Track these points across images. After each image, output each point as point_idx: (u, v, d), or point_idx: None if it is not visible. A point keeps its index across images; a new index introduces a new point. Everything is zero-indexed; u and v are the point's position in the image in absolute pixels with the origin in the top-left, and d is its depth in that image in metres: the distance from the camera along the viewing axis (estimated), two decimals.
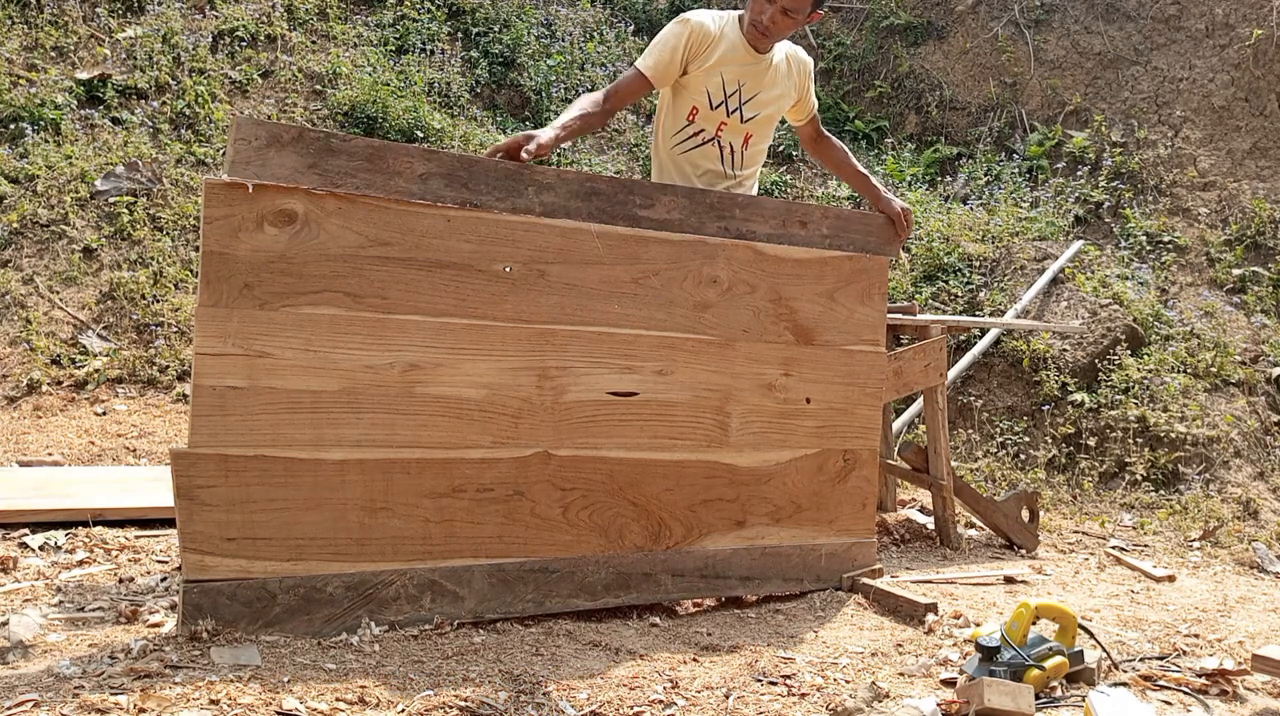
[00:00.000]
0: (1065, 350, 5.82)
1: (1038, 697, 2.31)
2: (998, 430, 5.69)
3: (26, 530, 3.17)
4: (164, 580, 2.84)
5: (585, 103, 3.02)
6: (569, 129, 2.94)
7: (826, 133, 3.50)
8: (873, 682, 2.32)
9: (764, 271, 3.01)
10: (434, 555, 2.55)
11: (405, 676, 2.19)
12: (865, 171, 3.45)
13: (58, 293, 5.44)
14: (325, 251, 2.42)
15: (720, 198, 2.96)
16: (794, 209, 3.09)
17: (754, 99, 3.17)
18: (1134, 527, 4.71)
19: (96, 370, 5.14)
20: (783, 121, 3.40)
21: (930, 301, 6.41)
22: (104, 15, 6.82)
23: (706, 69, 3.09)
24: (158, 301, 5.54)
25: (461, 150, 6.68)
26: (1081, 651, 2.52)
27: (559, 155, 7.13)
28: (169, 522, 3.21)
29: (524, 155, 2.66)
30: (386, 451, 2.49)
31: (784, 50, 3.24)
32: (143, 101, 6.45)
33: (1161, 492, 5.04)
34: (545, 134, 2.77)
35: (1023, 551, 4.06)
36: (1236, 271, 6.41)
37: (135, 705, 1.87)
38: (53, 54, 6.51)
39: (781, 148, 7.84)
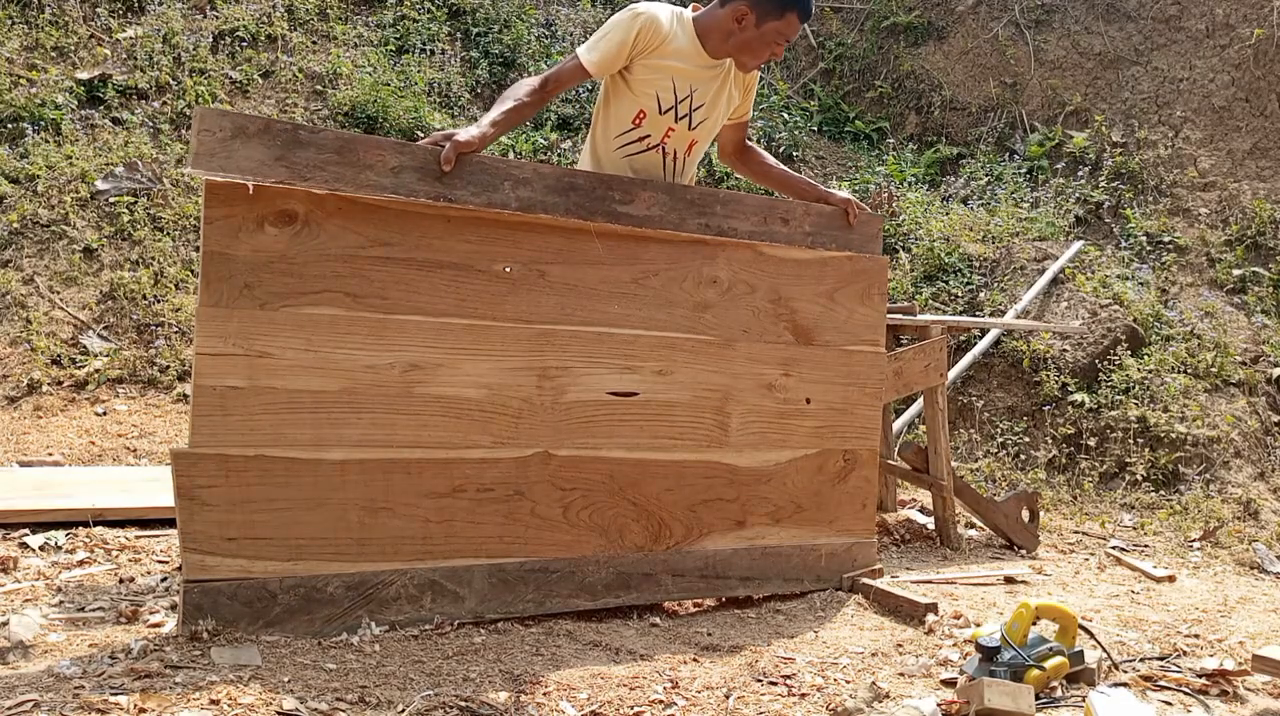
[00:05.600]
0: (1065, 350, 5.82)
1: (1038, 698, 2.31)
2: (998, 430, 5.69)
3: (27, 530, 3.17)
4: (164, 580, 2.84)
5: (520, 92, 2.79)
6: (500, 125, 2.71)
7: (751, 144, 3.33)
8: (873, 682, 2.32)
9: (764, 271, 3.01)
10: (434, 555, 2.55)
11: (405, 676, 2.19)
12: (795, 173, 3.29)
13: (58, 293, 5.45)
14: (325, 251, 2.42)
15: (702, 193, 2.91)
16: (776, 206, 3.06)
17: (704, 105, 3.00)
18: (1134, 528, 4.70)
19: (97, 370, 5.14)
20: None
21: (930, 302, 6.41)
22: (104, 15, 6.82)
23: (652, 67, 2.90)
24: (158, 301, 5.54)
25: None
26: (1082, 651, 2.52)
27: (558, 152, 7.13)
28: (169, 522, 3.21)
29: (444, 166, 2.49)
30: (387, 451, 2.49)
31: None
32: (143, 101, 6.45)
33: (1162, 493, 5.04)
34: (466, 134, 2.56)
35: (1023, 551, 4.06)
36: (1237, 272, 6.41)
37: (135, 705, 1.87)
38: (53, 54, 6.52)
39: (782, 149, 7.84)
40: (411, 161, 2.48)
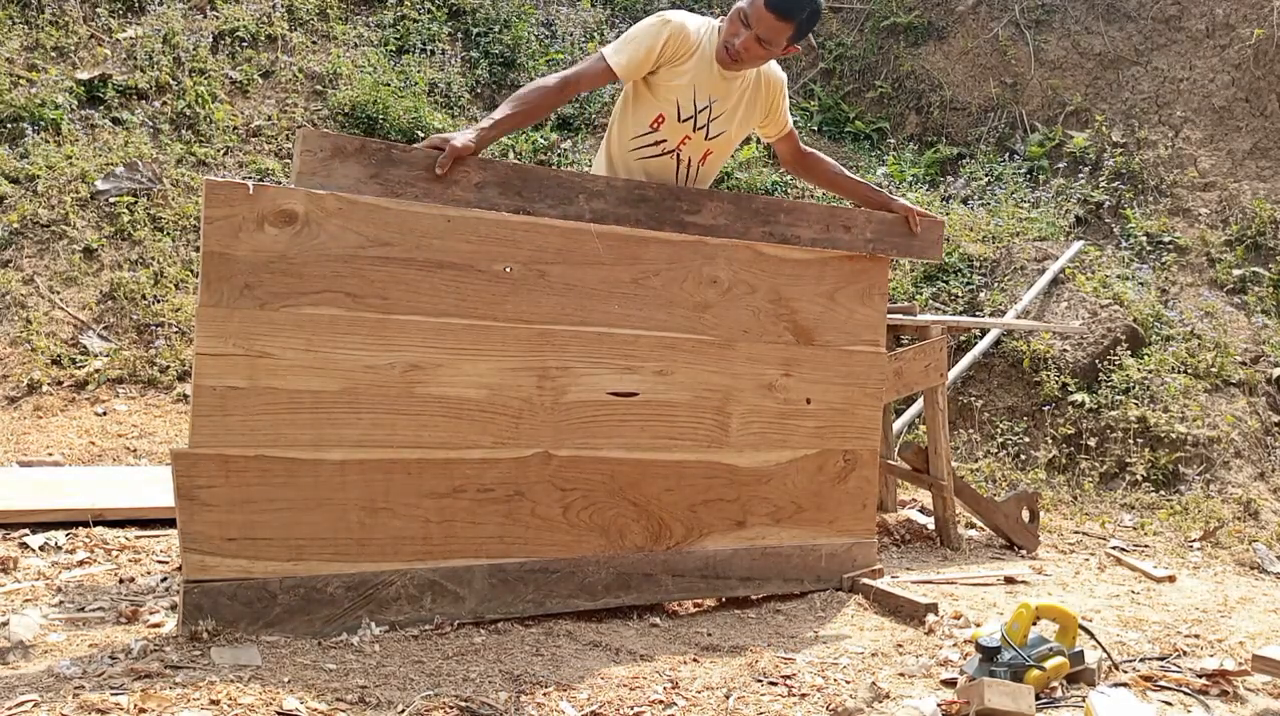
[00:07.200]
0: (1065, 350, 5.82)
1: (1038, 698, 2.31)
2: (998, 430, 5.69)
3: (27, 530, 3.17)
4: (164, 580, 2.84)
5: (531, 93, 2.75)
6: (501, 125, 2.68)
7: (809, 149, 3.33)
8: (873, 683, 2.32)
9: (764, 272, 3.01)
10: (434, 555, 2.55)
11: (405, 676, 2.19)
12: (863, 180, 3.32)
13: (58, 293, 5.45)
14: (326, 252, 2.42)
15: (766, 203, 2.98)
16: (837, 214, 3.10)
17: (721, 117, 3.00)
18: (1134, 528, 4.70)
19: (97, 370, 5.14)
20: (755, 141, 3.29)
21: (930, 302, 6.41)
22: (104, 15, 6.82)
23: (678, 74, 2.91)
24: (158, 301, 5.54)
25: None
26: (1082, 652, 2.52)
27: (559, 156, 7.14)
28: (169, 522, 3.21)
29: (438, 170, 2.50)
30: (387, 451, 2.49)
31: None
32: (143, 101, 6.45)
33: (1162, 493, 5.04)
34: (462, 138, 2.55)
35: (1023, 552, 4.06)
36: (1237, 272, 6.41)
37: (135, 705, 1.87)
38: (53, 54, 6.51)
39: None
40: (493, 177, 2.58)
